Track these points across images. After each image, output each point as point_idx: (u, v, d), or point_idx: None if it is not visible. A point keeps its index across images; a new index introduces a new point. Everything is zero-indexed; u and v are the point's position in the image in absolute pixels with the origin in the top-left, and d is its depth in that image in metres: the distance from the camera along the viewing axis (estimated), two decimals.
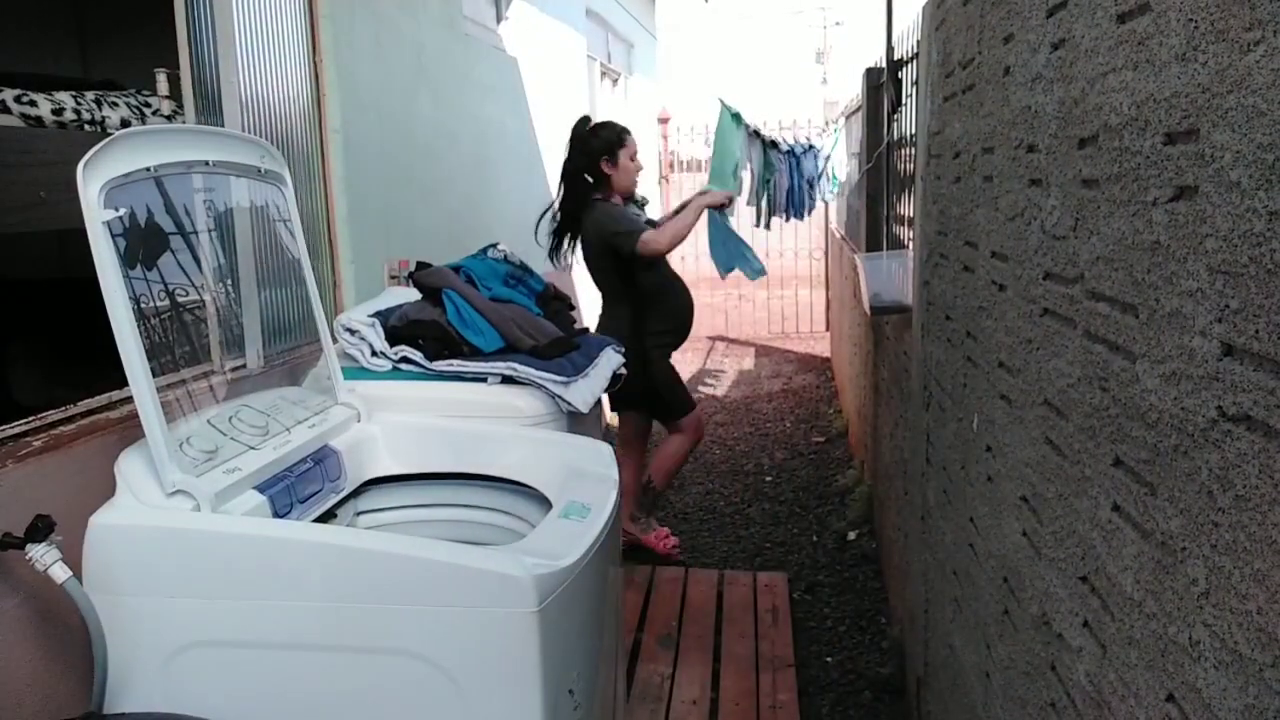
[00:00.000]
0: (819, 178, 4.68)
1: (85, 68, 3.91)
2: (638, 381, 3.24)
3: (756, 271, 3.72)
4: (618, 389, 3.31)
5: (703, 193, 3.51)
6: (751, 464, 4.88)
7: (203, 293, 2.02)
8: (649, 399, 3.46)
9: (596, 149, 3.33)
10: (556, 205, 3.45)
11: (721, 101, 3.91)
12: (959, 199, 1.78)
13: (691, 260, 8.86)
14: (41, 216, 1.97)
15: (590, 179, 3.35)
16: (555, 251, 3.48)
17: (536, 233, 3.42)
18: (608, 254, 3.30)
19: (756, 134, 4.08)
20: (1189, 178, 0.76)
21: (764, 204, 4.35)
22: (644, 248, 3.20)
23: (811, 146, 4.64)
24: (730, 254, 3.70)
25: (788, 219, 4.76)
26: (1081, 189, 1.03)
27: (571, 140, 3.39)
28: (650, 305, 3.39)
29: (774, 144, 4.29)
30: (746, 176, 4.10)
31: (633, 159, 3.42)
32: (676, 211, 3.50)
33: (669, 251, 3.30)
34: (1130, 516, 0.89)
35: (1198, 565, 0.75)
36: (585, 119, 3.46)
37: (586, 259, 3.43)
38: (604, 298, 3.50)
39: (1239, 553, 0.68)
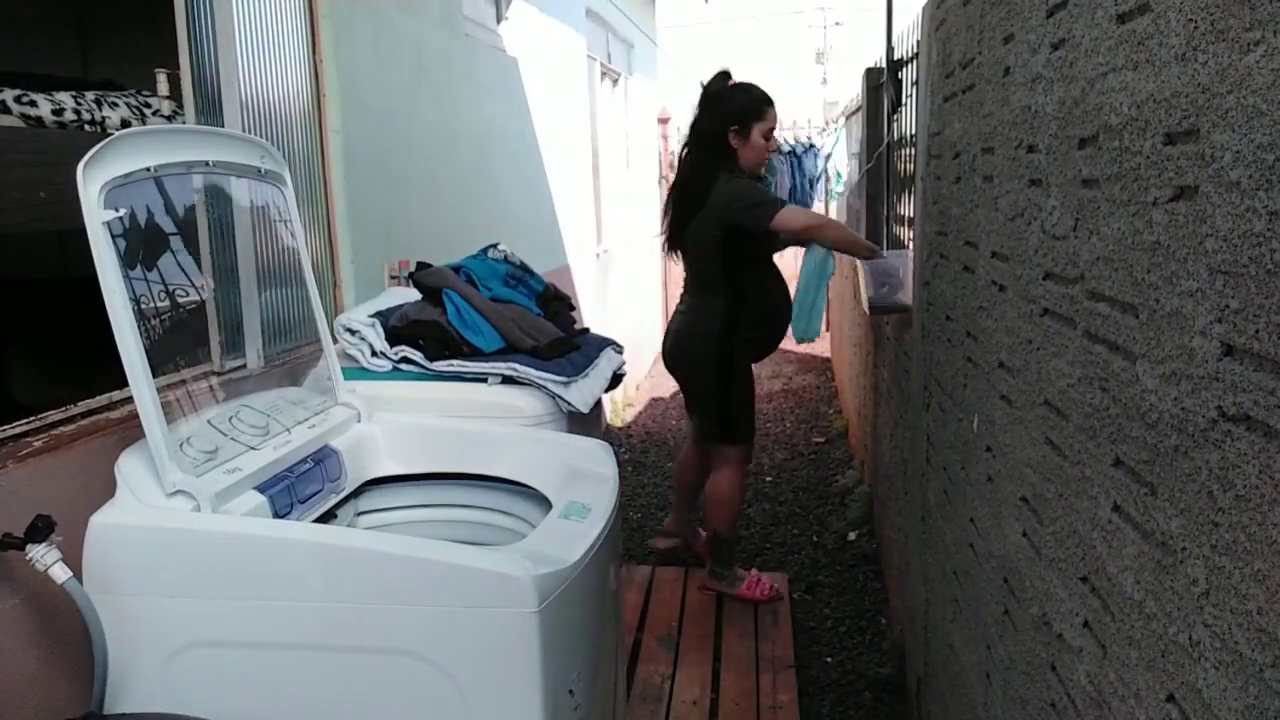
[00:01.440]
0: (819, 178, 4.68)
1: (85, 68, 3.91)
2: (709, 388, 3.05)
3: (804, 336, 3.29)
4: (689, 398, 3.13)
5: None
6: (752, 464, 4.87)
7: (203, 293, 2.02)
8: (714, 411, 3.11)
9: (728, 113, 2.89)
10: (677, 177, 3.03)
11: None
12: (959, 199, 1.78)
13: None
14: (41, 216, 1.97)
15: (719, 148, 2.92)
16: (677, 234, 3.02)
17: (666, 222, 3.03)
18: (725, 234, 2.89)
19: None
20: (1189, 178, 0.76)
21: None
22: (781, 222, 2.82)
23: (812, 145, 4.64)
24: (810, 317, 3.25)
25: None
26: (1081, 189, 1.03)
27: (703, 98, 2.95)
28: (748, 303, 3.00)
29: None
30: None
31: (767, 136, 2.97)
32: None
33: (805, 232, 2.95)
34: (1130, 517, 0.89)
35: (1198, 565, 0.74)
36: (724, 74, 2.99)
37: (690, 234, 3.00)
38: (694, 284, 3.11)
39: (1239, 553, 0.68)
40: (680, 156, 3.09)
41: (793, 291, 3.17)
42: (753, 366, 3.13)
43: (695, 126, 2.98)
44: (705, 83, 2.98)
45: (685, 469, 3.45)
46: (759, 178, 3.11)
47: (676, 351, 3.16)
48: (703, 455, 3.29)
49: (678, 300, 3.22)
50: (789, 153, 5.28)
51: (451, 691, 1.41)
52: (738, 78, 3.04)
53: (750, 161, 2.95)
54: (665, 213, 3.12)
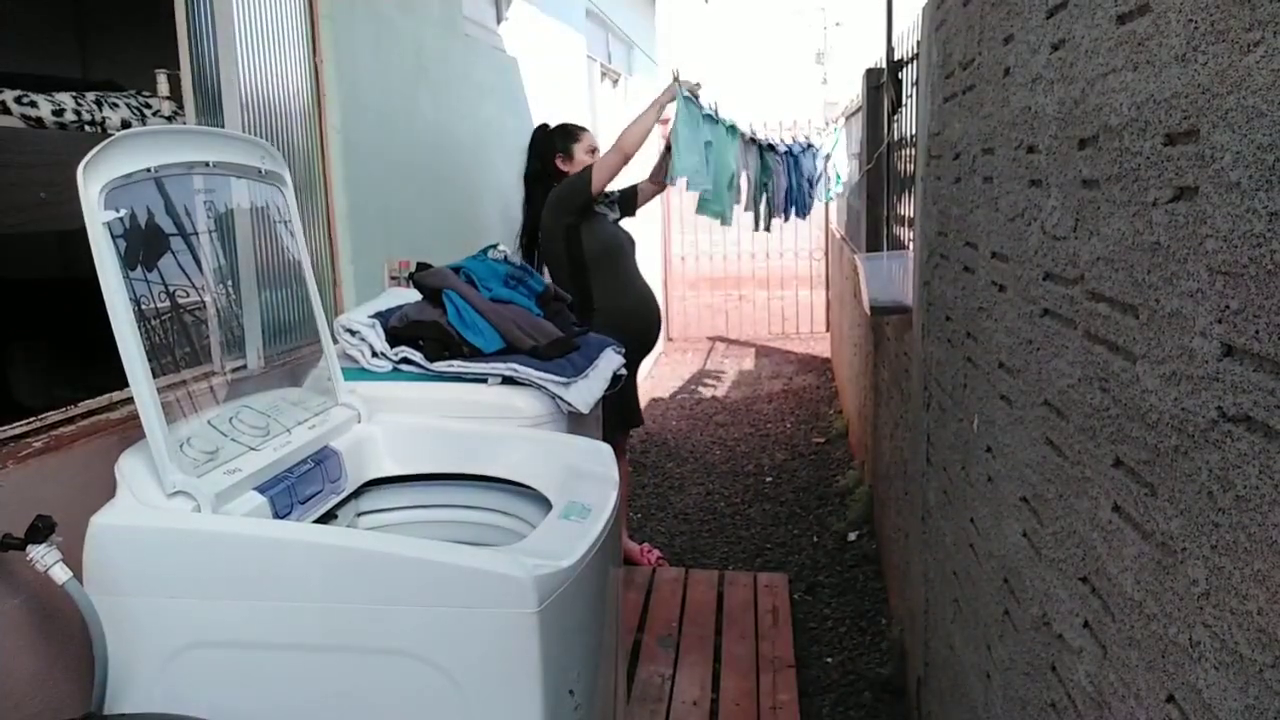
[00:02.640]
0: (818, 179, 4.67)
1: (85, 68, 3.91)
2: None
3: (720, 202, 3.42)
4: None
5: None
6: (752, 465, 4.88)
7: (203, 293, 2.02)
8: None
9: (549, 149, 3.25)
10: (521, 223, 3.33)
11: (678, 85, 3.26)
12: (959, 199, 1.78)
13: (692, 261, 8.87)
14: (41, 217, 1.97)
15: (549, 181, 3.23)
16: (550, 264, 3.25)
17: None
18: (560, 235, 3.09)
19: (752, 139, 4.05)
20: (1189, 178, 0.76)
21: (762, 207, 4.34)
22: (597, 173, 3.00)
23: (810, 145, 4.62)
24: (696, 163, 3.24)
25: (787, 219, 4.75)
26: (1082, 190, 1.04)
27: (529, 146, 3.33)
28: (595, 312, 3.10)
29: (770, 146, 4.27)
30: (744, 184, 4.03)
31: (591, 153, 3.26)
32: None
33: (617, 155, 3.02)
34: (1130, 517, 0.89)
35: (1198, 566, 0.75)
36: (542, 126, 3.40)
37: (545, 257, 3.24)
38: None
39: (1239, 553, 0.68)
40: (525, 214, 3.31)
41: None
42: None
43: (526, 173, 3.32)
44: (531, 137, 3.33)
45: None
46: (602, 196, 3.23)
47: None
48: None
49: None
50: (785, 153, 5.24)
51: (451, 692, 1.41)
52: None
53: None
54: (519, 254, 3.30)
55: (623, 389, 3.14)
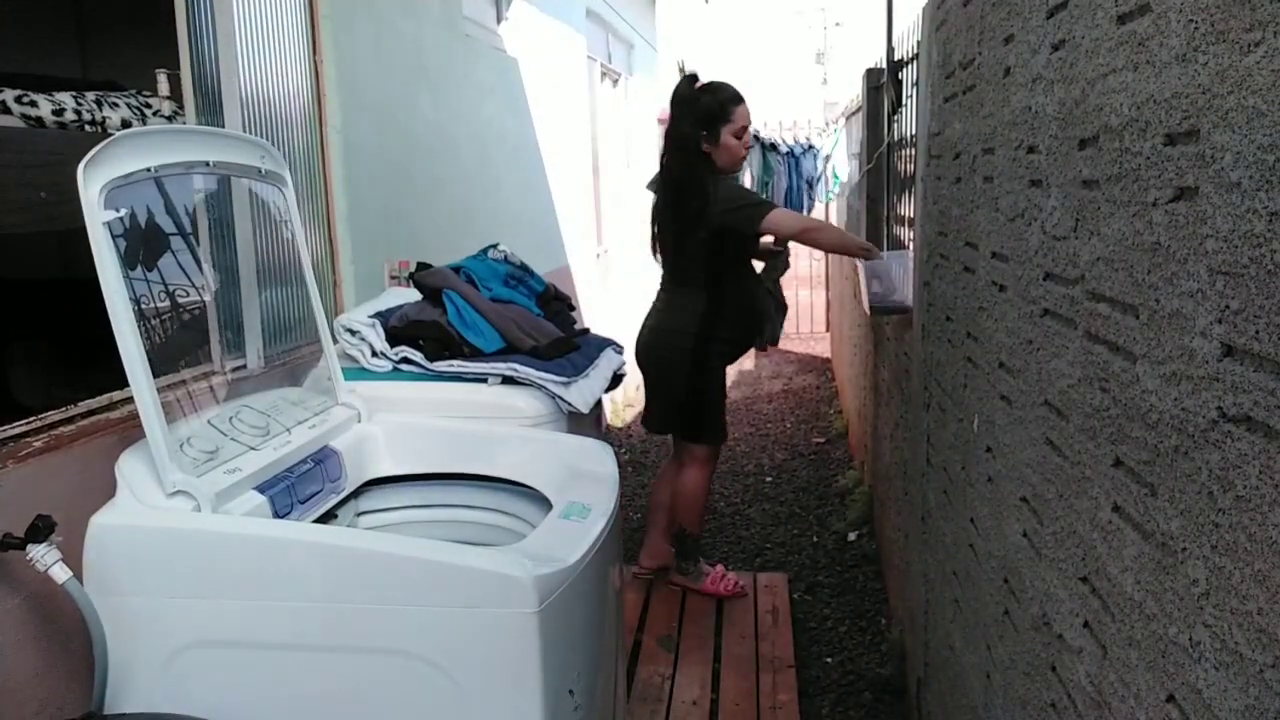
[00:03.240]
0: (818, 179, 4.68)
1: (85, 68, 3.91)
2: (680, 386, 2.99)
3: None
4: (655, 401, 3.06)
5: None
6: (752, 464, 4.88)
7: (203, 293, 2.02)
8: (684, 409, 3.06)
9: (696, 118, 2.88)
10: (662, 181, 3.00)
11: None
12: (959, 200, 1.78)
13: None
14: (41, 216, 1.97)
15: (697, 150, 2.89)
16: (661, 235, 2.98)
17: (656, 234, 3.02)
18: (711, 235, 2.86)
19: (756, 138, 4.05)
20: (1189, 178, 0.76)
21: None
22: (770, 224, 2.81)
23: (811, 146, 4.63)
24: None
25: None
26: (1082, 190, 1.04)
27: (674, 103, 2.94)
28: (728, 303, 2.96)
29: (773, 147, 4.28)
30: (747, 181, 4.01)
31: (739, 135, 2.92)
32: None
33: (797, 237, 2.93)
34: (1130, 517, 0.89)
35: (1198, 566, 0.75)
36: (692, 77, 2.97)
37: (670, 231, 2.97)
38: (672, 280, 3.06)
39: (1239, 553, 0.68)
40: (662, 161, 3.04)
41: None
42: (742, 365, 3.14)
43: (672, 132, 2.97)
44: (675, 88, 2.96)
45: (662, 486, 3.35)
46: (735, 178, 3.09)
47: (649, 347, 3.08)
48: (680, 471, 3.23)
49: (654, 299, 3.16)
50: (787, 153, 5.25)
51: (452, 692, 1.41)
52: (734, 79, 3.03)
53: (725, 162, 2.93)
54: (653, 224, 3.07)
55: (710, 397, 3.03)
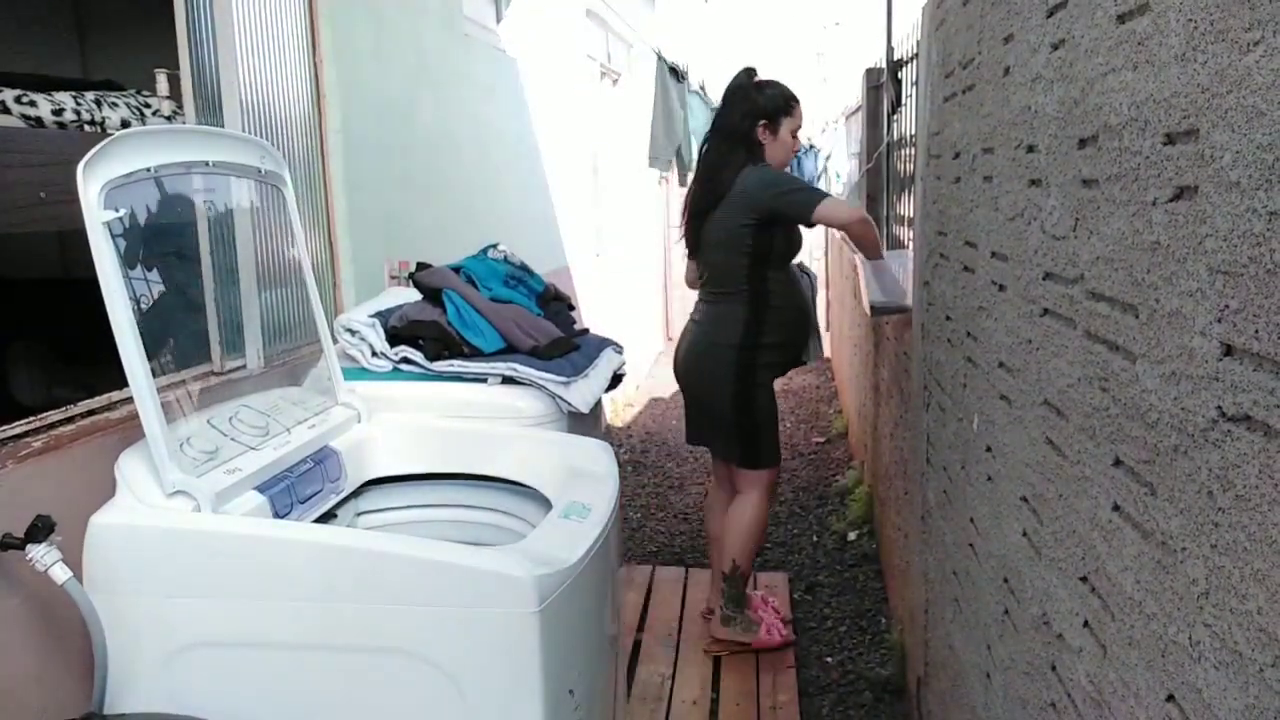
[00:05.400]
0: (818, 179, 4.68)
1: (85, 68, 3.91)
2: (729, 407, 2.75)
3: None
4: (701, 420, 2.84)
5: None
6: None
7: (202, 293, 2.02)
8: (737, 433, 2.79)
9: (760, 108, 2.75)
10: (699, 173, 2.86)
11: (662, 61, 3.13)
12: (959, 199, 1.78)
13: None
14: (41, 216, 1.97)
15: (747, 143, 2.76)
16: (697, 232, 2.81)
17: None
18: (758, 224, 2.68)
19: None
20: (1189, 178, 0.76)
21: None
22: (825, 212, 2.63)
23: (812, 146, 4.63)
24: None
25: None
26: (1081, 189, 1.03)
27: (729, 94, 2.83)
28: (772, 307, 2.75)
29: None
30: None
31: (795, 134, 2.86)
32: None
33: (848, 226, 2.78)
34: (1130, 516, 0.89)
35: (1198, 565, 0.75)
36: (750, 70, 2.87)
37: (714, 228, 2.77)
38: (712, 288, 2.84)
39: (1239, 553, 0.68)
40: (701, 153, 2.93)
41: None
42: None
43: (720, 123, 2.84)
44: (732, 79, 2.85)
45: (715, 518, 3.01)
46: None
47: (691, 364, 2.86)
48: (731, 499, 2.93)
49: (692, 309, 2.96)
50: None
51: (452, 691, 1.41)
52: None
53: (778, 159, 2.80)
54: (685, 211, 2.90)
55: (763, 417, 2.79)
